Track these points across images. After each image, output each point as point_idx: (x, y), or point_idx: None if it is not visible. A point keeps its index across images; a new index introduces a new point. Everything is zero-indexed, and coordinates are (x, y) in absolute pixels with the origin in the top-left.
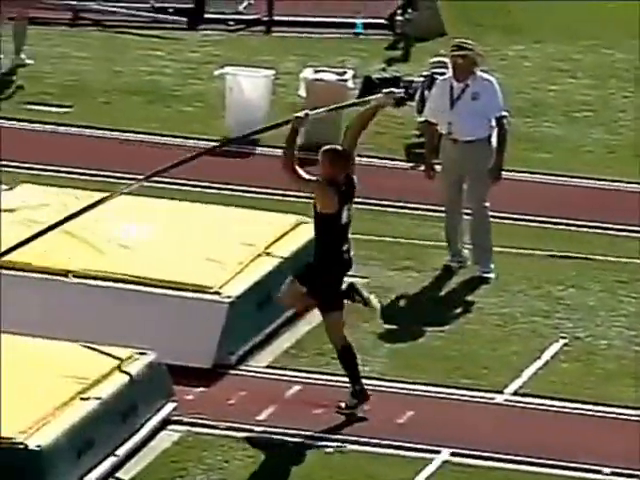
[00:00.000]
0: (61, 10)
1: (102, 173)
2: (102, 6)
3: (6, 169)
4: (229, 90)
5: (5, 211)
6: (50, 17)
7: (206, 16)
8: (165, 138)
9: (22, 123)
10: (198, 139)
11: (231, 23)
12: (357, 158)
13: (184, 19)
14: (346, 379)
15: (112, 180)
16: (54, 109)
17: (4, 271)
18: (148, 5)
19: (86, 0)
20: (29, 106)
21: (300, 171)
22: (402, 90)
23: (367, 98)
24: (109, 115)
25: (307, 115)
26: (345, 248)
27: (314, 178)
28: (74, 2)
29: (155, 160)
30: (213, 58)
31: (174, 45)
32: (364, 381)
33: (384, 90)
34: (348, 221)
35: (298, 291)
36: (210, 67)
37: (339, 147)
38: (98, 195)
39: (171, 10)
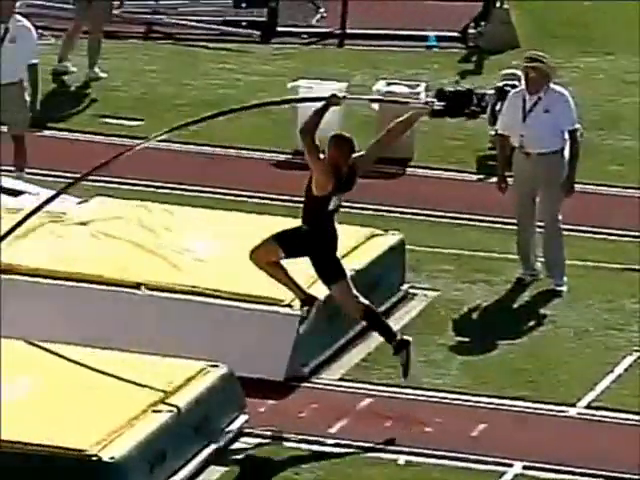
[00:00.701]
0: (134, 24)
1: (173, 186)
2: (175, 20)
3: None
4: (301, 108)
5: (79, 224)
6: (123, 31)
7: (279, 29)
8: (236, 151)
9: (95, 136)
10: (269, 152)
11: (304, 36)
12: (426, 170)
13: (257, 32)
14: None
15: (183, 192)
16: (126, 122)
17: (75, 283)
18: (221, 19)
19: (159, 14)
20: (102, 119)
21: (315, 142)
22: (442, 103)
23: (405, 100)
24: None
25: (345, 97)
26: (331, 228)
27: (322, 157)
28: (147, 16)
29: (226, 173)
30: (285, 71)
31: (246, 58)
32: (436, 393)
33: (423, 99)
34: (335, 209)
35: (275, 251)
36: (282, 80)
37: (346, 134)
38: (171, 207)
39: (244, 23)
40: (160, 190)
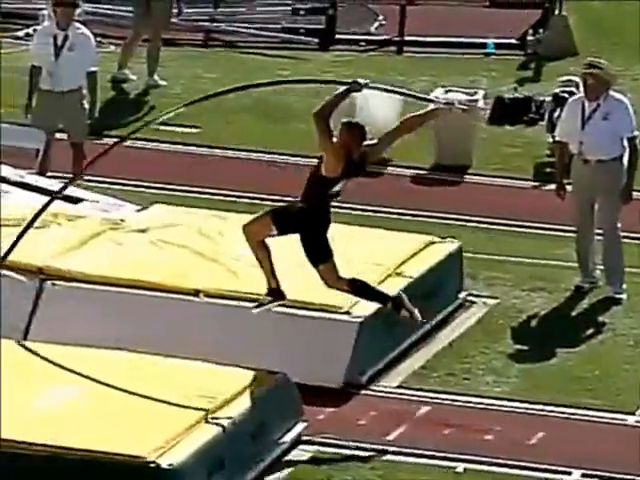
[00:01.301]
0: (193, 32)
1: (231, 193)
2: (233, 27)
3: (138, 189)
4: (359, 110)
5: (137, 231)
6: (182, 38)
7: (337, 36)
8: (294, 158)
9: (154, 144)
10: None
11: (362, 43)
12: (484, 178)
13: (315, 40)
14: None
15: (240, 200)
16: (184, 130)
17: (134, 290)
18: (279, 26)
19: (217, 21)
20: (161, 127)
21: (329, 124)
22: (464, 106)
23: (425, 97)
24: (237, 135)
25: (367, 84)
26: (327, 211)
27: (335, 140)
28: (206, 24)
29: (283, 180)
30: (344, 78)
31: (305, 65)
32: (494, 401)
33: (443, 101)
34: (339, 191)
35: (268, 227)
36: (341, 87)
37: (358, 120)
38: (226, 215)
39: (302, 31)
40: (213, 197)
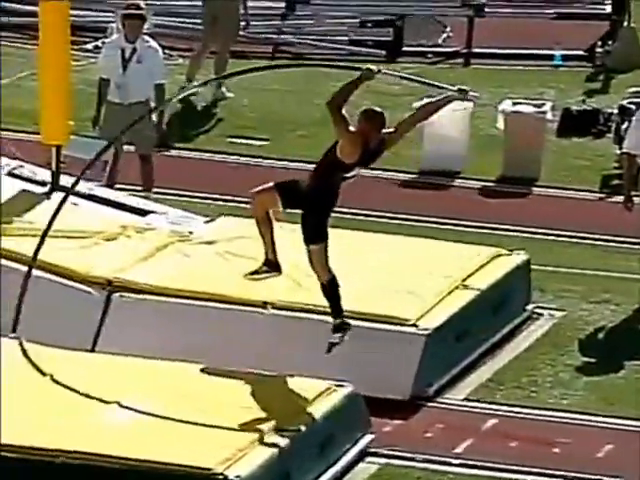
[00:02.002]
0: (261, 44)
1: None
2: (301, 39)
3: (206, 201)
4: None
5: (204, 243)
6: (250, 51)
7: (404, 49)
8: (365, 171)
9: (222, 155)
10: (394, 170)
11: (429, 56)
12: (552, 190)
13: (382, 52)
14: None
15: None
16: (252, 142)
17: (201, 302)
18: (347, 38)
19: (285, 34)
20: (228, 139)
21: (342, 112)
22: (476, 93)
23: (438, 84)
24: (306, 148)
25: (380, 71)
26: (336, 193)
27: (352, 129)
28: (274, 36)
29: (351, 191)
30: (411, 90)
31: None
32: (562, 414)
33: (455, 88)
34: (352, 176)
35: (273, 200)
36: (408, 99)
37: (377, 108)
38: (293, 227)
39: (370, 43)
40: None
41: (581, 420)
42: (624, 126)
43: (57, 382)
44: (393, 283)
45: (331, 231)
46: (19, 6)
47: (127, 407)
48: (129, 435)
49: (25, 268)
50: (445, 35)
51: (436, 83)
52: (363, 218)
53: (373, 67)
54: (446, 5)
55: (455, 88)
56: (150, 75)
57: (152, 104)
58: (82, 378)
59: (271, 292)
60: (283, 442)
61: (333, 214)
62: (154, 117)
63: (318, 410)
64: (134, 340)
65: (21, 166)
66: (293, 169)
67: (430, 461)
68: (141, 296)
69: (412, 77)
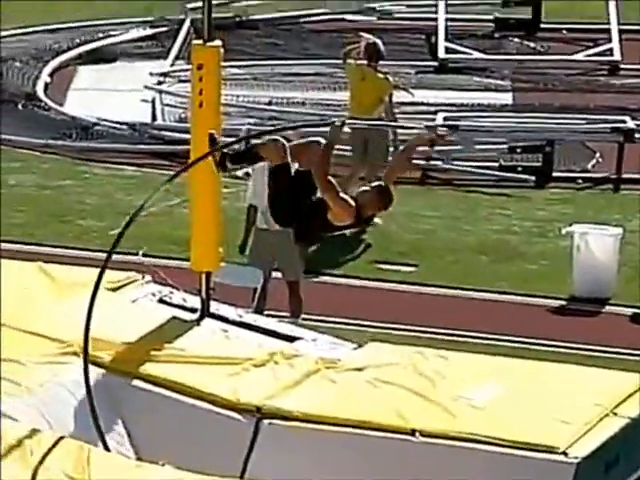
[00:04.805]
0: (410, 170)
1: (449, 332)
2: (451, 165)
3: (355, 327)
4: (576, 249)
5: (353, 370)
6: (399, 177)
7: (554, 174)
8: (511, 297)
9: (371, 282)
10: (544, 297)
11: (579, 181)
12: None
13: (532, 178)
14: None
15: (462, 339)
16: (401, 268)
17: (349, 429)
18: (496, 164)
19: (434, 160)
20: (377, 265)
21: (329, 179)
22: (443, 130)
23: (405, 125)
24: (456, 274)
25: (344, 123)
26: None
27: (350, 202)
28: (422, 162)
29: (503, 318)
30: (561, 216)
31: (522, 203)
32: None
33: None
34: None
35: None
36: (557, 225)
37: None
38: (446, 353)
39: (520, 169)
40: (435, 336)
41: None
42: None
43: None
44: (541, 410)
45: (482, 358)
46: (168, 133)
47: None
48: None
49: (175, 395)
50: (595, 160)
51: (402, 125)
52: (514, 345)
53: (337, 121)
54: (595, 131)
55: (422, 126)
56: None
57: None
58: None
59: (420, 420)
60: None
61: (485, 341)
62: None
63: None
64: (283, 467)
65: (171, 293)
66: (443, 295)
67: None
68: (290, 423)
69: (384, 124)
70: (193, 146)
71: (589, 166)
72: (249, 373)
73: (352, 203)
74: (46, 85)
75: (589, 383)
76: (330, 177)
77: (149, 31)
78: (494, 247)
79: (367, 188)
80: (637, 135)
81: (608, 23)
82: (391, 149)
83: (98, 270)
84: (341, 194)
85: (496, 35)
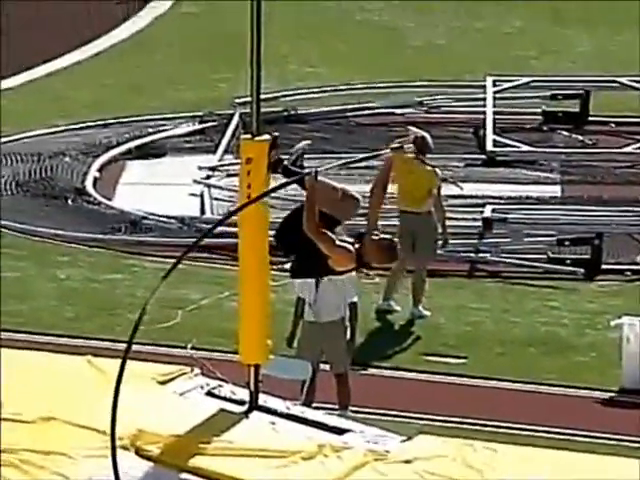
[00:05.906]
0: (458, 262)
1: (498, 424)
2: (499, 258)
3: (403, 420)
4: (626, 341)
5: (401, 462)
6: (447, 269)
7: (603, 267)
8: (560, 389)
9: (420, 374)
10: (593, 389)
11: (628, 273)
12: None
13: (581, 270)
14: None
15: (508, 431)
16: (450, 360)
17: None
18: (544, 256)
19: (482, 252)
20: (426, 357)
21: (323, 231)
22: (410, 146)
23: (379, 152)
24: (504, 366)
25: (317, 171)
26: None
27: (349, 248)
28: (471, 255)
29: (553, 411)
30: (609, 309)
31: (570, 296)
32: None
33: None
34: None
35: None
36: (606, 317)
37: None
38: (496, 447)
39: (568, 261)
40: (483, 428)
41: None
42: None
43: None
44: None
45: (532, 450)
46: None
47: None
48: None
49: None
50: None
51: (375, 154)
52: (563, 437)
53: (312, 171)
54: None
55: (393, 146)
56: (343, 294)
57: (347, 323)
58: None
59: None
60: None
61: (535, 434)
62: (347, 335)
63: None
64: None
65: (220, 385)
66: (492, 387)
67: None
68: None
69: (349, 160)
70: (241, 241)
71: (638, 258)
72: (298, 466)
73: (351, 248)
74: (95, 180)
75: (636, 477)
76: (323, 229)
77: (198, 126)
78: (542, 339)
79: (376, 238)
80: None
81: None
82: (439, 242)
83: (149, 364)
84: (337, 242)
85: (544, 128)
